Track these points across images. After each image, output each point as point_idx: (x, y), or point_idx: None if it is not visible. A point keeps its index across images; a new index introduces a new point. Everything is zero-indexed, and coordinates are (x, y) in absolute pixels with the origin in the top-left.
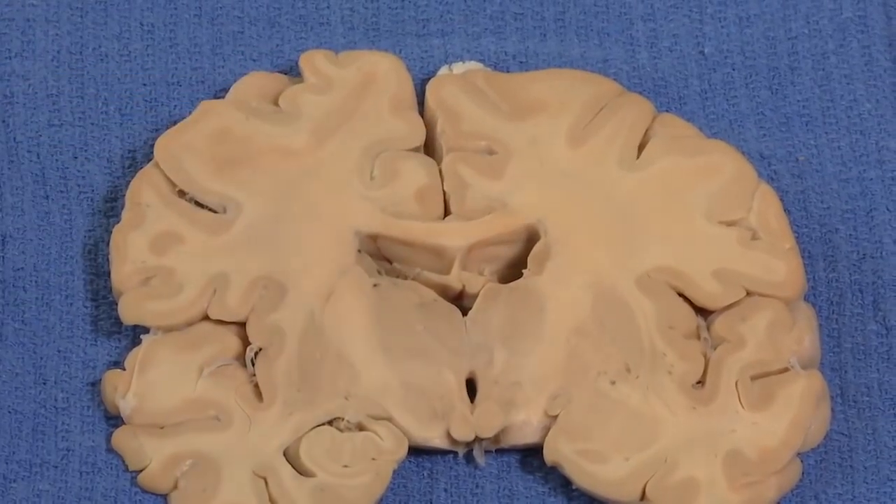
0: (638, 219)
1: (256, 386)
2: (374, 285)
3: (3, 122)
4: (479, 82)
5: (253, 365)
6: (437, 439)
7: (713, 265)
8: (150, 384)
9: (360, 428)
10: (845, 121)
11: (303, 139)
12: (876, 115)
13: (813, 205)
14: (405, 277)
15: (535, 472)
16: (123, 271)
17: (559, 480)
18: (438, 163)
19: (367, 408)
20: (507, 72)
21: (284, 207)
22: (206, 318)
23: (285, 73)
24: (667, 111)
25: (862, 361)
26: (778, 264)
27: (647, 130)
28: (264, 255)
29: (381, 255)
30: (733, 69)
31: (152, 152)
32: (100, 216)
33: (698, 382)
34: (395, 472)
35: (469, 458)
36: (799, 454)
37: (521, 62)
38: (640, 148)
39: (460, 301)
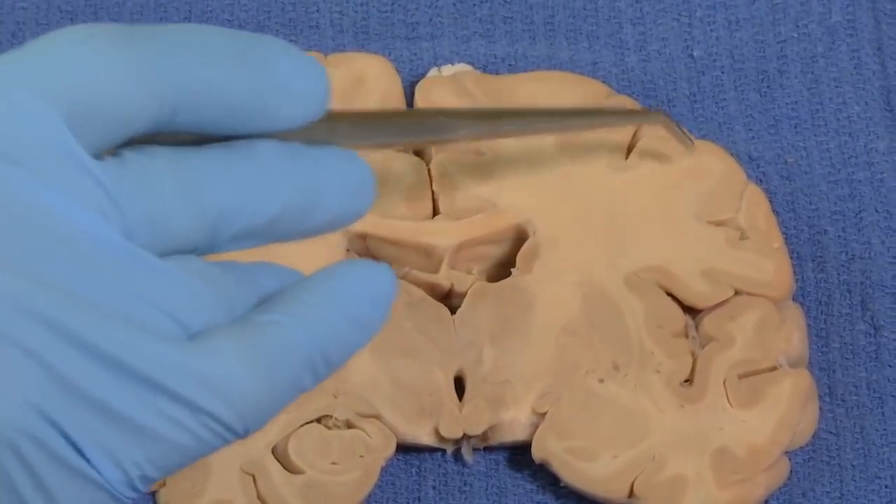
0: (626, 218)
1: None
2: None
3: None
4: (468, 84)
5: None
6: (425, 437)
7: (702, 264)
8: None
9: (349, 425)
10: (834, 123)
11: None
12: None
13: (802, 206)
14: None
15: (523, 470)
16: None
17: (547, 478)
18: (427, 163)
19: (355, 405)
20: (497, 74)
21: None
22: None
23: None
24: None
25: (850, 360)
26: (766, 263)
27: (635, 132)
28: (252, 255)
29: (370, 254)
30: (722, 72)
31: None
32: None
33: (686, 381)
34: (383, 469)
35: (457, 456)
36: (787, 452)
37: (510, 65)
38: (629, 150)
39: (449, 300)
